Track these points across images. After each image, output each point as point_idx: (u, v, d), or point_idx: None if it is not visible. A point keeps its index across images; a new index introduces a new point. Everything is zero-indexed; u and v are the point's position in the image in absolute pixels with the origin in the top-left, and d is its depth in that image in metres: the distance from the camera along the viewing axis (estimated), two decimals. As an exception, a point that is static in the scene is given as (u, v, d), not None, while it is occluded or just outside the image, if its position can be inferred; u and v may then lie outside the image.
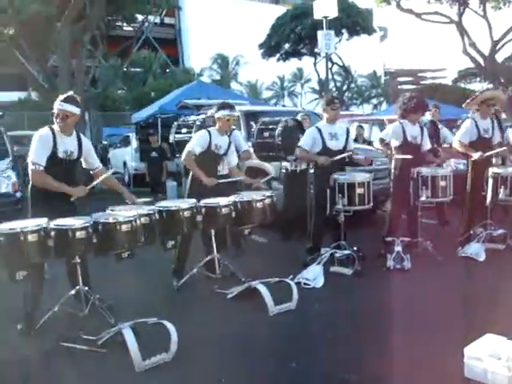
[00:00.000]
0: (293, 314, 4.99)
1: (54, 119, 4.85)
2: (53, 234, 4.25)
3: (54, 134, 4.82)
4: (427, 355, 3.93)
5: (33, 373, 4.00)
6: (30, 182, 4.81)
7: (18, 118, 24.22)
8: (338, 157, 6.40)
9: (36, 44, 19.21)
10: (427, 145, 6.97)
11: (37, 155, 4.73)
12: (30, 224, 4.27)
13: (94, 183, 5.03)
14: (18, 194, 7.66)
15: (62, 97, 4.87)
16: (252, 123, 9.16)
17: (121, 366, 3.93)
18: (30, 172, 4.76)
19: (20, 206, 7.47)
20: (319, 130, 6.51)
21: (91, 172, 5.23)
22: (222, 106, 6.09)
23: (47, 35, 20.41)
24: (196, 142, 6.03)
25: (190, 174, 6.11)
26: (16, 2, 18.41)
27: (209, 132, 6.07)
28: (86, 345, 4.26)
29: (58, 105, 4.81)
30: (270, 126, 8.05)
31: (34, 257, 4.27)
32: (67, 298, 4.69)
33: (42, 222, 4.30)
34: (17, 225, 4.26)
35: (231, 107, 6.11)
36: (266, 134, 8.15)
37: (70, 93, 5.01)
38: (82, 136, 5.09)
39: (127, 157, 17.29)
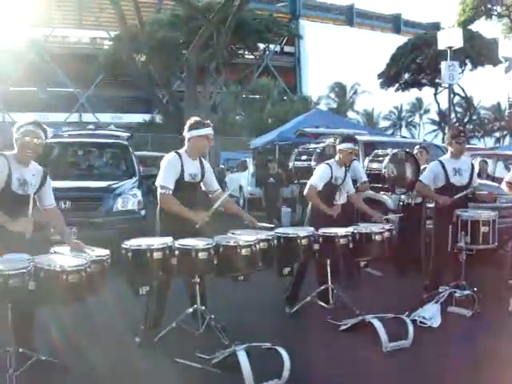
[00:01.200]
0: (408, 352, 4.81)
1: (192, 143, 5.08)
2: (177, 252, 4.44)
3: (180, 158, 5.04)
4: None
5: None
6: (159, 204, 5.05)
7: (141, 139, 25.51)
8: (460, 195, 6.17)
9: (163, 69, 20.28)
10: None
11: (165, 179, 4.96)
12: (156, 242, 4.49)
13: (215, 206, 5.15)
14: (143, 212, 8.03)
15: (199, 122, 5.11)
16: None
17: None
18: (158, 195, 5.00)
19: (144, 222, 7.83)
20: (443, 165, 6.32)
21: (210, 195, 5.38)
22: (345, 139, 6.12)
23: (174, 61, 21.52)
24: (319, 177, 6.09)
25: (310, 204, 6.15)
26: (146, 29, 19.54)
27: (329, 166, 6.11)
28: (200, 363, 4.35)
29: (208, 130, 5.06)
30: (380, 158, 7.95)
31: (158, 273, 4.48)
32: (184, 316, 4.83)
33: (168, 240, 4.51)
34: (144, 242, 4.50)
35: (354, 140, 6.14)
36: (375, 165, 8.06)
37: (197, 118, 5.24)
38: (203, 159, 5.29)
39: (243, 181, 17.68)
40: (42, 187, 4.39)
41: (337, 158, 6.15)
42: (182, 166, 5.00)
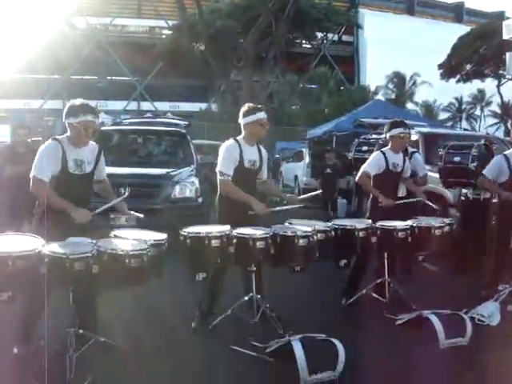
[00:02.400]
0: (465, 350, 4.70)
1: (247, 129, 5.10)
2: (234, 241, 4.48)
3: (239, 144, 5.07)
4: None
5: (199, 371, 4.18)
6: (219, 191, 5.10)
7: (198, 128, 25.76)
8: None
9: (221, 58, 20.40)
10: None
11: (225, 165, 5.01)
12: (214, 230, 4.54)
13: (279, 209, 5.15)
14: (200, 200, 8.13)
15: (252, 107, 5.11)
16: (433, 146, 8.83)
17: (286, 378, 3.98)
18: (218, 182, 5.06)
19: (201, 210, 7.93)
20: (507, 159, 6.13)
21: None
22: (395, 124, 5.99)
23: (232, 50, 21.61)
24: (370, 163, 6.02)
25: (371, 195, 6.09)
26: (205, 17, 19.66)
27: (383, 152, 6.02)
28: (254, 351, 4.39)
29: (261, 115, 5.06)
30: (463, 151, 7.70)
31: (215, 261, 4.54)
32: (240, 304, 4.87)
33: (225, 229, 4.55)
34: (202, 229, 4.56)
35: (405, 125, 6.00)
36: (457, 158, 7.81)
37: (250, 104, 5.26)
38: (260, 146, 5.31)
39: (299, 171, 17.65)
40: (98, 163, 4.51)
41: (389, 145, 6.04)
42: (241, 152, 5.04)
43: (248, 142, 5.12)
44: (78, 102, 4.32)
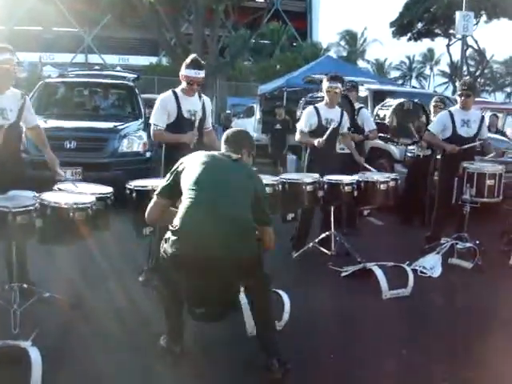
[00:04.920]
0: (406, 300, 4.87)
1: (184, 84, 4.99)
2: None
3: (176, 95, 4.99)
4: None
5: (148, 322, 4.11)
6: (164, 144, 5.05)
7: (148, 82, 25.24)
8: (467, 145, 6.11)
9: (171, 11, 19.87)
10: None
11: (156, 117, 4.97)
12: (160, 183, 4.47)
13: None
14: (148, 154, 8.02)
15: (191, 62, 4.97)
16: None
17: (233, 329, 3.98)
18: (151, 132, 5.04)
19: (149, 165, 7.83)
20: (451, 115, 6.25)
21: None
22: (330, 78, 5.92)
23: (183, 3, 21.06)
24: (303, 121, 5.99)
25: (308, 149, 6.08)
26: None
27: (315, 108, 5.99)
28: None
29: (194, 73, 4.93)
30: (388, 107, 7.84)
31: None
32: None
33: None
34: (148, 183, 4.50)
35: (339, 79, 5.95)
36: (383, 114, 7.96)
37: (194, 55, 5.14)
38: (203, 95, 5.22)
39: (250, 127, 17.54)
40: (23, 110, 4.38)
41: (324, 100, 6.04)
42: (178, 103, 4.96)
43: (185, 92, 5.03)
44: None
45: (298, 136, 6.07)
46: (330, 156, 5.86)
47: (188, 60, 5.00)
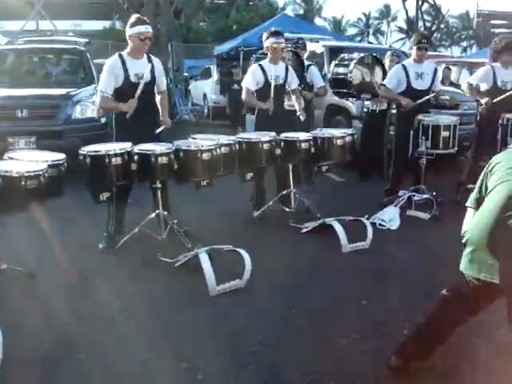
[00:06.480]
0: (366, 253, 4.96)
1: (134, 43, 4.87)
2: (136, 158, 4.39)
3: (123, 59, 4.87)
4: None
5: (106, 293, 4.07)
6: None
7: (102, 47, 24.56)
8: (423, 99, 6.16)
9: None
10: None
11: (103, 83, 4.85)
12: (114, 147, 4.41)
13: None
14: (103, 120, 7.85)
15: (137, 19, 4.87)
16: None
17: (195, 290, 4.05)
18: (98, 99, 4.89)
19: (104, 131, 7.68)
20: (405, 69, 6.27)
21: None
22: (270, 34, 5.79)
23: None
24: (248, 78, 5.89)
25: (256, 109, 6.02)
26: None
27: (259, 65, 5.91)
28: (163, 266, 4.41)
29: (144, 28, 4.82)
30: (346, 62, 7.83)
31: (117, 179, 4.44)
32: (147, 222, 4.84)
33: (126, 146, 4.44)
34: (102, 148, 4.42)
35: (279, 34, 5.81)
36: (342, 70, 7.96)
37: (137, 15, 5.04)
38: (152, 57, 5.10)
39: (207, 89, 17.34)
40: None
41: (269, 56, 5.92)
42: (124, 67, 4.84)
43: (132, 55, 4.91)
44: None
45: (244, 95, 5.92)
46: (278, 114, 5.79)
47: (132, 19, 4.90)
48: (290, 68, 6.10)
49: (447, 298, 2.95)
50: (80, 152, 4.39)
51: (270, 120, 5.72)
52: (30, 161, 4.04)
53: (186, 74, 21.97)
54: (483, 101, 6.33)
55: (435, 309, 2.97)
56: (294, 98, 6.04)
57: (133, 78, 4.86)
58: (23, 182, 3.73)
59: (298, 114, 5.88)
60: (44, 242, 4.68)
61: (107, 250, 4.83)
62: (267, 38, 5.78)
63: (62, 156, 4.22)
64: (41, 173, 3.82)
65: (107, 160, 4.30)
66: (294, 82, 6.08)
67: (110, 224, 4.95)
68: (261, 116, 5.91)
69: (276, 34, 5.78)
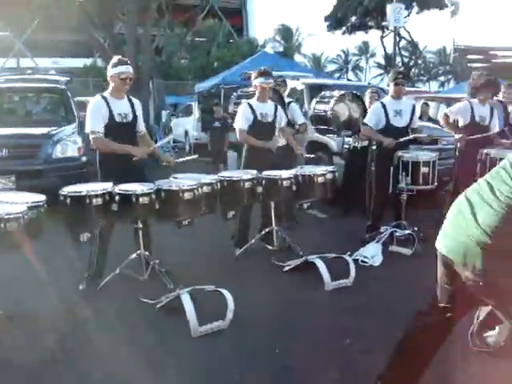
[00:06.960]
0: (349, 290, 4.94)
1: (116, 83, 4.90)
2: (117, 198, 4.37)
3: (106, 99, 4.89)
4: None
5: (89, 332, 4.05)
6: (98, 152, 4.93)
7: (83, 85, 24.69)
8: (404, 138, 6.25)
9: (103, 11, 19.47)
10: (496, 127, 6.70)
11: (93, 123, 4.82)
12: (95, 188, 4.39)
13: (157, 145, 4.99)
14: (84, 159, 7.82)
15: (118, 60, 4.92)
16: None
17: (177, 331, 4.00)
18: (92, 141, 4.87)
19: (85, 169, 7.65)
20: (383, 106, 6.37)
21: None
22: (259, 74, 5.89)
23: (114, 2, 20.66)
24: (240, 118, 5.94)
25: (245, 145, 6.07)
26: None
27: (248, 104, 5.97)
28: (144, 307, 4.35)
29: (124, 68, 4.86)
30: (327, 100, 7.94)
31: (98, 220, 4.41)
32: (128, 262, 4.79)
33: (108, 186, 4.42)
34: (82, 188, 4.40)
35: (268, 74, 5.92)
36: (322, 106, 8.06)
37: (119, 56, 5.08)
38: (132, 98, 5.13)
39: (189, 126, 17.44)
40: None
41: (257, 94, 6.01)
42: (108, 107, 4.85)
43: (114, 95, 4.93)
44: None
45: (239, 136, 5.96)
46: (267, 151, 5.84)
47: (114, 60, 4.94)
48: (279, 106, 6.19)
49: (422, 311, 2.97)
50: (60, 192, 4.36)
51: (258, 157, 5.80)
52: (10, 203, 4.00)
53: (168, 111, 22.12)
54: (457, 136, 6.46)
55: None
56: (285, 134, 6.24)
57: (117, 118, 4.88)
58: (3, 225, 3.69)
59: (298, 152, 6.14)
60: (24, 282, 4.61)
61: (88, 291, 4.76)
62: (256, 77, 5.88)
63: (42, 197, 4.18)
64: (20, 215, 3.78)
65: (88, 201, 4.27)
66: (283, 120, 6.17)
67: (91, 265, 4.89)
68: (251, 151, 5.95)
69: (265, 73, 5.88)
